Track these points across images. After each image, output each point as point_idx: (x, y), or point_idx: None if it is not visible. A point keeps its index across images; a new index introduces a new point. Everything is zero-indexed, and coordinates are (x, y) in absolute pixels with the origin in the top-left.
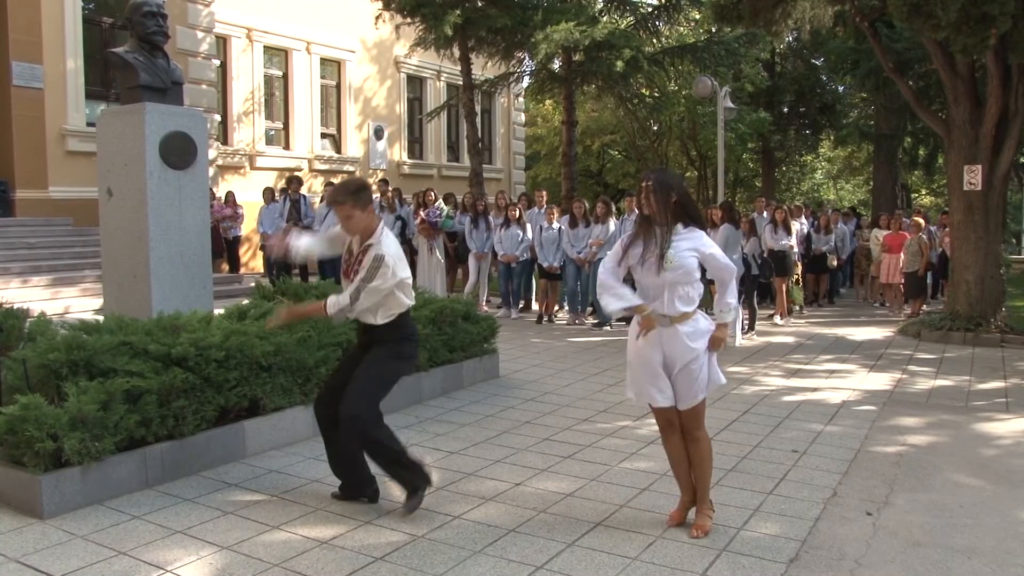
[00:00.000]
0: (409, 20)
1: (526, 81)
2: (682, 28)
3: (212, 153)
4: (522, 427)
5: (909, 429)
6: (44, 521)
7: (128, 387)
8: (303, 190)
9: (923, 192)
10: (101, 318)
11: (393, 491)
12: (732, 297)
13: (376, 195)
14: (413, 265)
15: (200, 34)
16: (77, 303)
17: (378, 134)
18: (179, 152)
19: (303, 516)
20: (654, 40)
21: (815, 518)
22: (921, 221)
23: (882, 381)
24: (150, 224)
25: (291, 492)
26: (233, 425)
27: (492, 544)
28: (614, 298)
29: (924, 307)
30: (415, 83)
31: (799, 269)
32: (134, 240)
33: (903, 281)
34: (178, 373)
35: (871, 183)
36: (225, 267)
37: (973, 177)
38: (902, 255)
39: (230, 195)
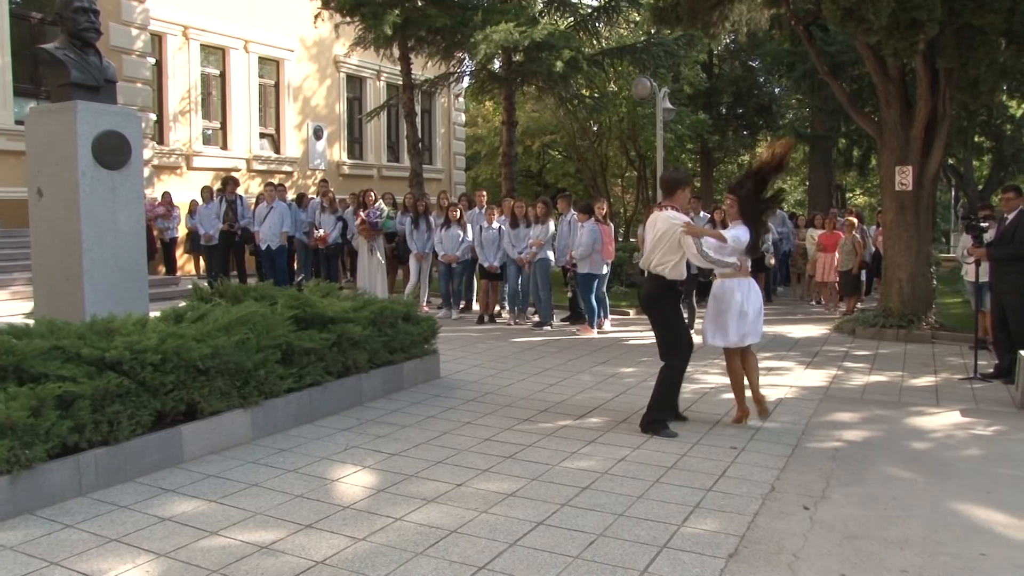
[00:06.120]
0: (348, 19)
1: (466, 81)
2: (622, 29)
3: (147, 153)
4: (463, 428)
5: (845, 424)
6: None
7: (60, 392)
8: (239, 191)
9: (857, 192)
10: (31, 322)
11: (339, 494)
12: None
13: (316, 196)
14: (353, 266)
15: (134, 31)
16: (6, 307)
17: (317, 134)
18: (113, 152)
19: (242, 521)
20: (594, 41)
21: (754, 513)
22: (855, 220)
23: (818, 378)
24: (83, 225)
25: (230, 497)
26: (170, 430)
27: (434, 545)
28: None
29: (859, 305)
30: (355, 83)
31: None
32: (66, 242)
33: (838, 279)
34: (112, 377)
35: (807, 183)
36: (162, 269)
37: (904, 178)
38: (837, 254)
39: (166, 195)
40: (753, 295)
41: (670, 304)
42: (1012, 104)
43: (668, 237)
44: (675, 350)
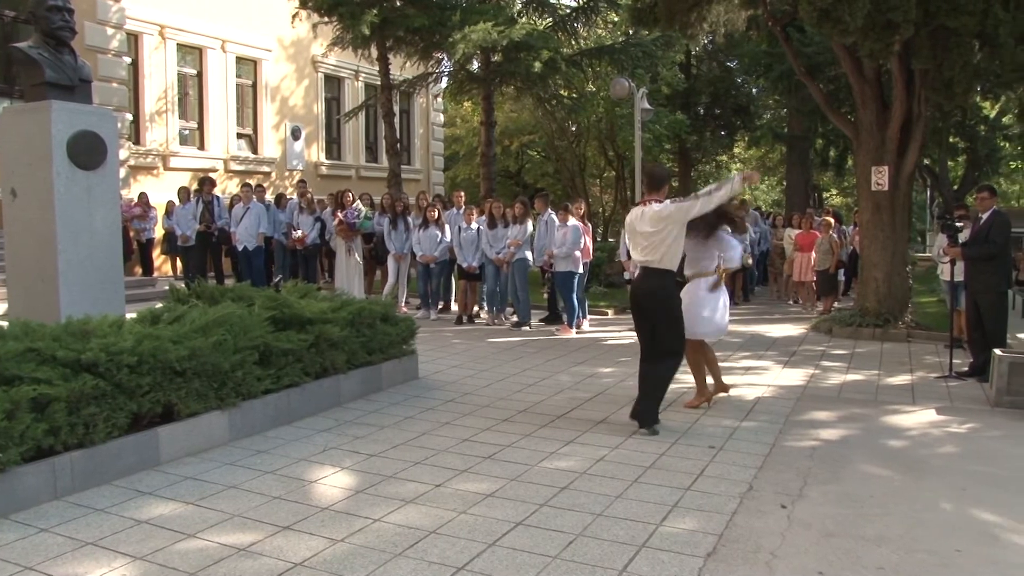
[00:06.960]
0: (326, 19)
1: (445, 81)
2: (600, 30)
3: (123, 153)
4: (442, 428)
5: (822, 423)
6: None
7: (35, 395)
8: (216, 191)
9: (834, 192)
10: (5, 323)
11: (317, 495)
12: None
13: (293, 196)
14: (331, 267)
15: (110, 30)
16: None
17: (295, 134)
18: (88, 152)
19: (220, 523)
20: (572, 41)
21: (732, 512)
22: (831, 220)
23: (796, 377)
24: (58, 226)
25: (207, 499)
26: (147, 432)
27: (412, 546)
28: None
29: (836, 304)
30: (333, 83)
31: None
32: (41, 242)
33: (815, 279)
34: (88, 379)
35: (784, 183)
36: (138, 270)
37: (880, 178)
38: (814, 254)
39: (143, 196)
40: (699, 295)
41: (677, 297)
42: (986, 105)
43: (671, 226)
44: (682, 340)
